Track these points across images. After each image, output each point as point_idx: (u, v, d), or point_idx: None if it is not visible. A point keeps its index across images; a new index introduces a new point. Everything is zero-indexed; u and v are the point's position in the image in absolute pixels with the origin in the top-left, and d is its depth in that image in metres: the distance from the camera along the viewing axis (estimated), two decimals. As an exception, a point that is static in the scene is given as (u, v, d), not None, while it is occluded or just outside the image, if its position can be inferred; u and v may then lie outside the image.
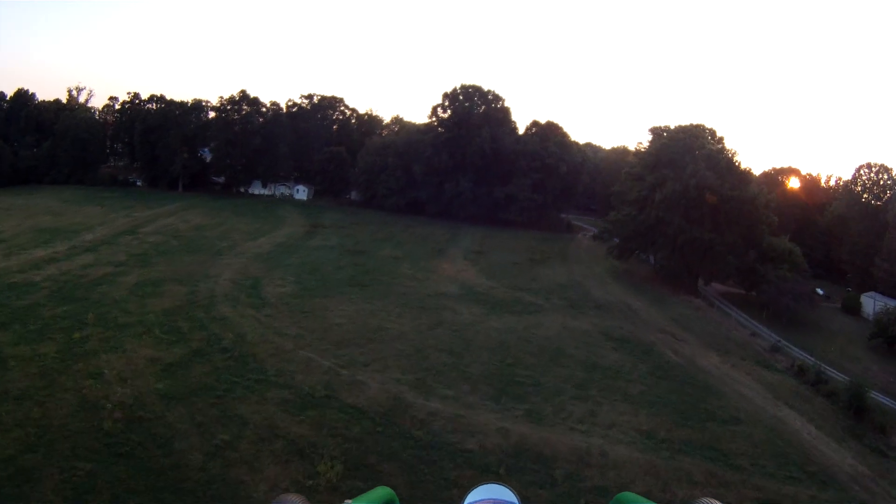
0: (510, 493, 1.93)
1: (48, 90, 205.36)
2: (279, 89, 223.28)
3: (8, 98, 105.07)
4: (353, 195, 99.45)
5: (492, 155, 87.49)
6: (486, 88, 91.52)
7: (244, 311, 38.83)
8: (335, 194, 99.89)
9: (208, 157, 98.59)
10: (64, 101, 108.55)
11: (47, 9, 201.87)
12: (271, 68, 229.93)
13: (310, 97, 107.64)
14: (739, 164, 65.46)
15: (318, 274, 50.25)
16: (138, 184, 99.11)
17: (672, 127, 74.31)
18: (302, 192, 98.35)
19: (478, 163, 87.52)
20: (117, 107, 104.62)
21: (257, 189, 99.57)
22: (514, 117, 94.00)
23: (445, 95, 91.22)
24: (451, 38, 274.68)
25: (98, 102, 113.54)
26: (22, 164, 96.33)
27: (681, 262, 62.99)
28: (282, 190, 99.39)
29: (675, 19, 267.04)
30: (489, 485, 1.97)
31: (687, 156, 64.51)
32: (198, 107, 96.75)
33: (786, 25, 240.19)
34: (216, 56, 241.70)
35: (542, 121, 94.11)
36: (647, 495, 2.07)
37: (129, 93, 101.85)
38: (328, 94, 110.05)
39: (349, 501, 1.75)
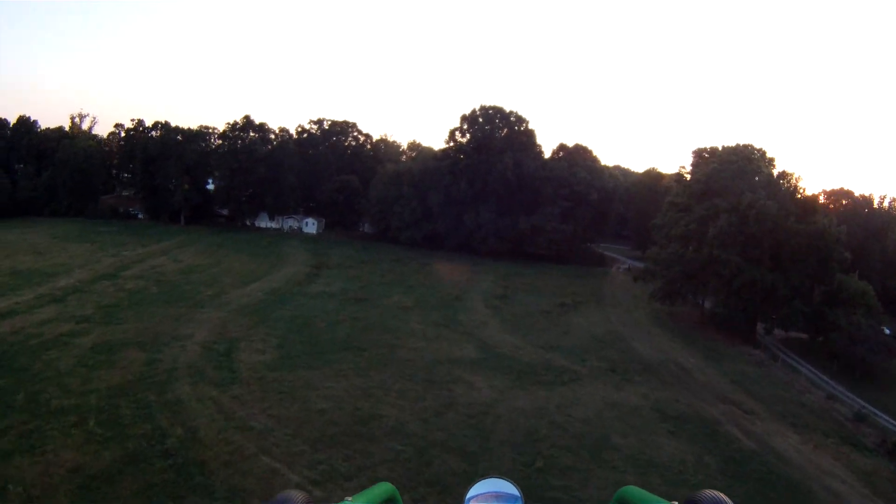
0: (511, 486, 1.92)
1: (52, 117, 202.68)
2: (288, 115, 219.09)
3: (10, 126, 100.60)
4: (366, 227, 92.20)
5: (515, 182, 79.49)
6: (507, 109, 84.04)
7: (206, 390, 31.06)
8: (346, 227, 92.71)
9: (212, 188, 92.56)
10: (67, 128, 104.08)
11: (52, 33, 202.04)
12: (281, 93, 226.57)
13: (320, 122, 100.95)
14: (804, 190, 56.20)
15: (309, 332, 42.24)
16: (139, 217, 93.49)
17: (720, 148, 65.50)
18: (311, 226, 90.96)
19: (500, 191, 79.62)
20: (122, 134, 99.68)
21: (264, 222, 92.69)
22: (538, 140, 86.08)
23: (464, 118, 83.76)
24: (470, 58, 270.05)
25: (104, 130, 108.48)
26: (21, 195, 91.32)
27: (738, 308, 53.71)
28: (290, 223, 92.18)
29: (699, 35, 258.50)
30: (491, 479, 1.95)
31: (741, 182, 55.55)
32: (200, 134, 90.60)
33: (819, 36, 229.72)
34: (225, 81, 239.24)
35: (570, 143, 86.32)
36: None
37: (132, 119, 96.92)
38: (340, 118, 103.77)
39: (349, 499, 1.66)
